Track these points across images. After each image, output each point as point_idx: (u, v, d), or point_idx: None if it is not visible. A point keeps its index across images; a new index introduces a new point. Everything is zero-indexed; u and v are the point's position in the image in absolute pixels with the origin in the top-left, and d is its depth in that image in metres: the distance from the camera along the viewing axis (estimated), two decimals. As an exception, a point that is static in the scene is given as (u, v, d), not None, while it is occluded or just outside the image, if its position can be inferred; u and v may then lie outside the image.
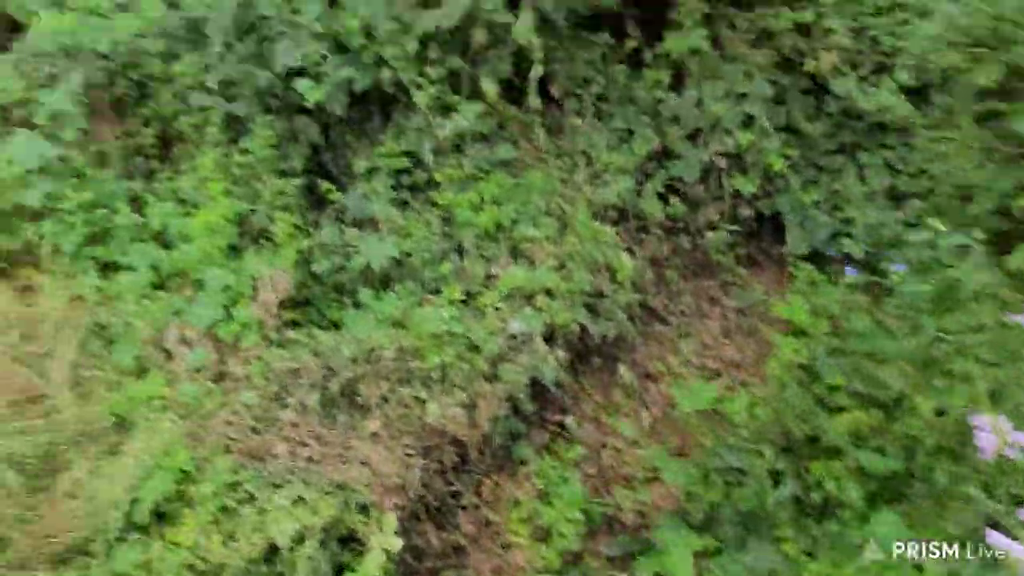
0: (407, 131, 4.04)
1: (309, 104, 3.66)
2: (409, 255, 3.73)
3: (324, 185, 4.10)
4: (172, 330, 3.38)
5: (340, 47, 3.83)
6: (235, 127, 4.08)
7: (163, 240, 3.76)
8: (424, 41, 3.80)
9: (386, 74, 3.77)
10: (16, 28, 4.60)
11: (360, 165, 4.07)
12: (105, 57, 3.93)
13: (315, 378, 3.19)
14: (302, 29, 3.66)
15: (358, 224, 3.99)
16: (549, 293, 3.58)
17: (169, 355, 3.34)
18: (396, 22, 3.73)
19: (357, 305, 3.75)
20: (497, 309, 3.56)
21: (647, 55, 4.28)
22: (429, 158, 3.93)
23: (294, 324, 3.67)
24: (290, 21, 3.72)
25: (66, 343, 3.19)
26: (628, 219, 4.04)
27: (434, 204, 3.96)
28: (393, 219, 3.87)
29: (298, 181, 3.97)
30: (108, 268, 3.68)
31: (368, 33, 3.71)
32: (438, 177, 3.91)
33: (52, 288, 3.39)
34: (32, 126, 3.86)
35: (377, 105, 4.21)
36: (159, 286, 3.64)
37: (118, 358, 3.27)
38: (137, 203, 3.91)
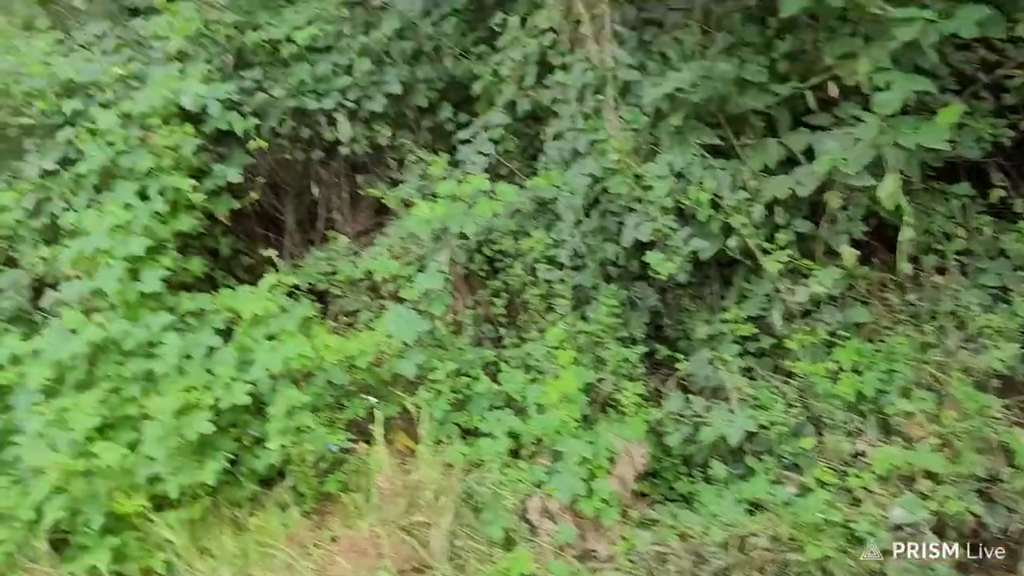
0: (751, 296, 3.95)
1: (663, 276, 3.72)
2: (764, 427, 3.55)
3: (663, 351, 4.11)
4: (534, 501, 3.45)
5: (684, 216, 3.89)
6: (577, 296, 4.27)
7: (516, 406, 3.93)
8: (770, 206, 3.76)
9: (732, 242, 3.75)
10: (383, 211, 5.29)
11: (701, 331, 4.03)
12: (464, 236, 4.33)
13: (683, 565, 3.06)
14: (652, 204, 3.77)
15: (704, 392, 3.91)
16: (932, 476, 3.20)
17: (533, 528, 3.40)
18: (743, 191, 3.73)
19: (708, 479, 3.61)
20: (871, 492, 3.23)
21: (1018, 204, 3.88)
22: (778, 324, 3.78)
23: (642, 495, 3.62)
24: (639, 197, 3.86)
25: (443, 512, 3.36)
26: (1018, 389, 3.55)
27: (785, 372, 3.78)
28: (742, 388, 3.74)
29: (640, 349, 4.00)
30: (470, 434, 3.90)
31: (715, 203, 3.74)
32: (788, 343, 3.74)
33: (427, 455, 3.62)
34: (399, 299, 4.31)
35: (715, 269, 4.20)
36: (515, 452, 3.78)
37: (487, 529, 3.38)
38: (490, 369, 4.17)
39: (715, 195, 3.75)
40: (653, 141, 3.99)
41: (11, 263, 4.34)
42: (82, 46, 4.98)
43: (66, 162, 4.39)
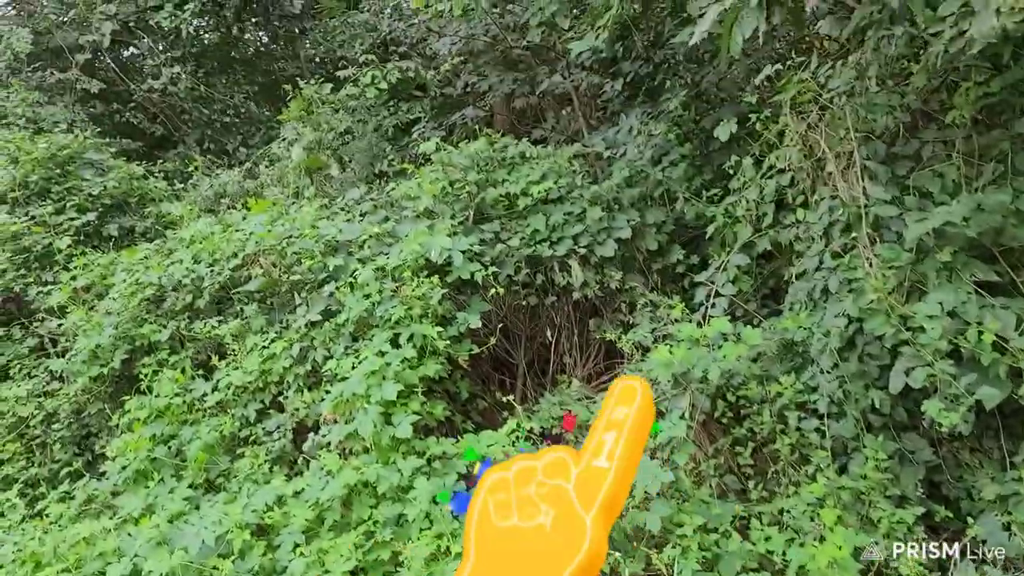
0: (1052, 451, 3.44)
1: (944, 428, 3.33)
2: (1091, 613, 2.97)
3: (942, 512, 3.63)
4: None
5: (960, 360, 3.51)
6: (834, 447, 3.92)
7: (771, 568, 3.58)
8: (1068, 347, 3.30)
9: (1024, 389, 3.31)
10: (612, 355, 5.26)
11: (989, 490, 3.53)
12: (705, 381, 4.17)
13: None
14: (923, 347, 3.45)
15: (999, 563, 3.38)
16: None
17: None
18: (1033, 331, 3.32)
19: (1023, 673, 3.05)
20: None
21: None
22: (1094, 485, 3.23)
23: None
24: (905, 340, 3.55)
25: None
26: None
27: (1109, 545, 3.19)
28: (1054, 562, 3.18)
29: (917, 509, 3.56)
30: (724, 599, 3.59)
31: (999, 346, 3.35)
32: (1110, 510, 3.17)
33: (680, 622, 3.35)
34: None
35: (998, 419, 3.72)
36: (779, 623, 3.41)
37: None
38: (737, 525, 3.87)
39: (999, 337, 3.37)
40: (917, 279, 3.70)
41: (278, 408, 4.71)
42: (342, 209, 5.54)
43: (327, 313, 4.79)
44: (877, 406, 3.75)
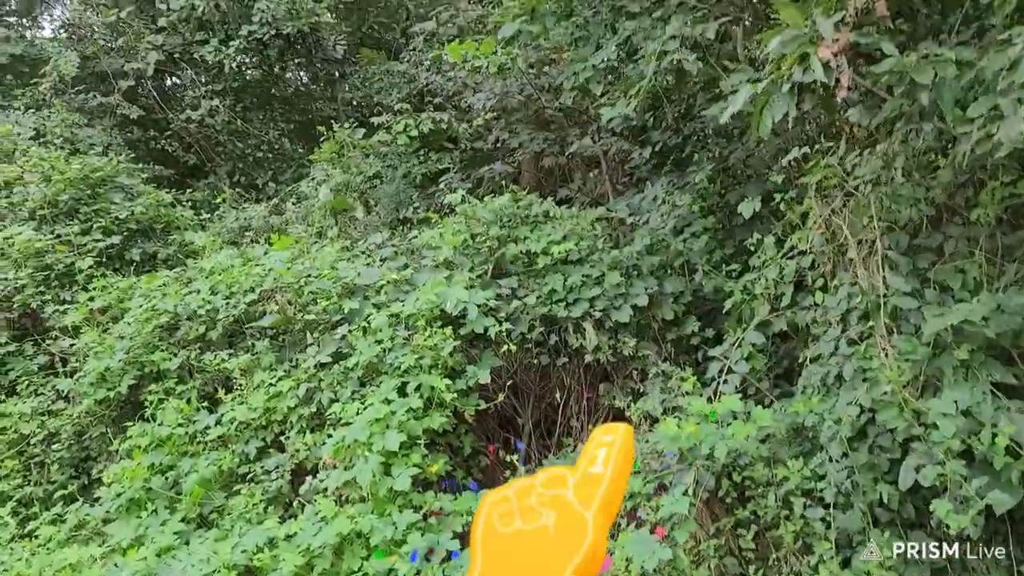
0: (1064, 563, 3.33)
1: (952, 530, 3.24)
2: None
3: (947, 616, 3.52)
4: None
5: (971, 459, 3.44)
6: (838, 539, 3.83)
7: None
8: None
9: (1039, 497, 3.22)
10: (620, 421, 5.20)
11: (998, 597, 3.42)
12: (711, 458, 4.10)
13: None
14: (936, 445, 3.38)
15: None
16: None
17: None
18: (1051, 439, 3.25)
19: None
20: None
21: None
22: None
23: None
24: (917, 435, 3.48)
25: None
26: None
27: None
28: None
29: (921, 611, 3.45)
30: None
31: (1013, 450, 3.27)
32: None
33: None
34: (637, 523, 4.09)
35: (1006, 524, 3.62)
36: None
37: None
38: (736, 612, 3.77)
39: (1013, 441, 3.29)
40: (933, 373, 3.65)
41: (279, 447, 4.67)
42: (364, 252, 5.58)
43: (338, 356, 4.78)
44: (885, 501, 3.67)
